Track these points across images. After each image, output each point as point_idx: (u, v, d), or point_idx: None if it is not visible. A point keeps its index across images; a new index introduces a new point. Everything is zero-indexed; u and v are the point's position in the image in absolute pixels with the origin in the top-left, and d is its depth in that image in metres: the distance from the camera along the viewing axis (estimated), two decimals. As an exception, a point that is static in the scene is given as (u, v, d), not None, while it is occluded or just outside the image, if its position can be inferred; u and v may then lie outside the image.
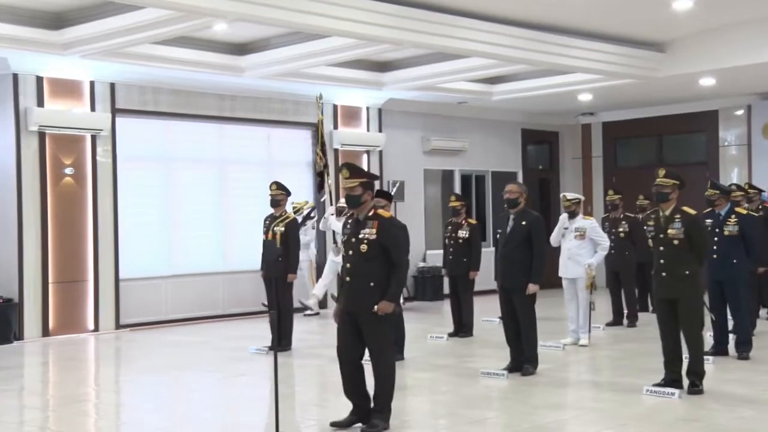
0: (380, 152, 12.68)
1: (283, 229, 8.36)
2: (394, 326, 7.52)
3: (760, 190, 10.19)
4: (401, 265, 5.22)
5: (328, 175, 9.39)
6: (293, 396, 6.47)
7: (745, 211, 7.75)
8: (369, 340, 5.18)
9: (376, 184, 6.42)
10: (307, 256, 11.12)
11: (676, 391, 6.02)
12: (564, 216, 8.57)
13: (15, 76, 9.44)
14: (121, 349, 9.23)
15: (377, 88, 11.60)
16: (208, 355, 8.57)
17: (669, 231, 6.09)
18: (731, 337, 7.68)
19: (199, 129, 11.24)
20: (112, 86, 10.17)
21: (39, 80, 9.59)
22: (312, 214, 11.15)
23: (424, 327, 9.83)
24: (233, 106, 11.29)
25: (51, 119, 9.59)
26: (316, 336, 9.65)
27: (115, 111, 10.21)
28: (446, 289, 10.72)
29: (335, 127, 12.25)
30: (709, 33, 10.36)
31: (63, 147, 9.81)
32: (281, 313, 8.14)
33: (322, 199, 9.99)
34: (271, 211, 8.58)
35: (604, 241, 8.52)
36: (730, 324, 7.68)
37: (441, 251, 9.85)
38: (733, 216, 7.56)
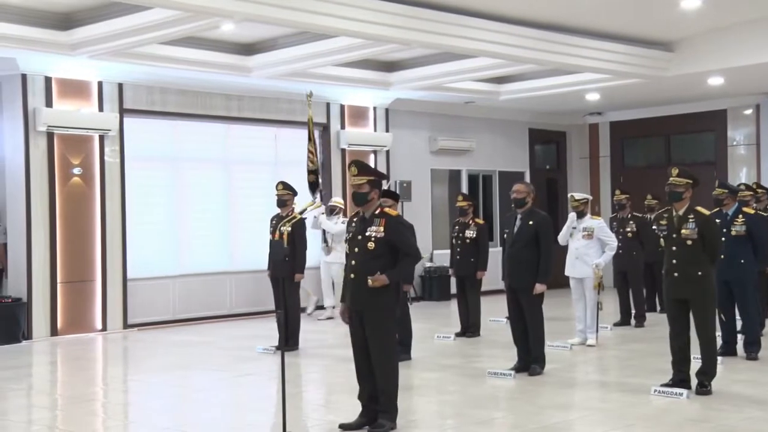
0: (387, 152, 12.68)
1: (289, 228, 8.37)
2: (399, 326, 7.60)
3: (769, 190, 10.13)
4: (413, 255, 5.23)
5: (320, 174, 9.35)
6: (300, 396, 6.47)
7: (752, 211, 7.72)
8: (372, 338, 5.18)
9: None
10: None
11: (684, 392, 6.00)
12: (573, 215, 8.56)
13: (24, 77, 9.48)
14: (129, 349, 9.26)
15: (384, 88, 11.60)
16: (215, 354, 8.59)
17: (683, 231, 6.04)
18: (739, 337, 7.65)
19: (207, 129, 11.26)
20: (120, 86, 10.20)
21: (47, 80, 9.63)
22: (304, 214, 11.06)
23: (431, 327, 9.82)
24: (240, 106, 11.31)
25: (59, 119, 9.63)
26: (324, 336, 9.65)
27: (123, 111, 10.24)
28: (453, 289, 10.71)
29: (342, 127, 12.26)
30: (717, 32, 10.32)
31: (71, 147, 9.84)
32: (288, 313, 8.15)
33: (315, 199, 9.95)
34: (278, 210, 8.59)
35: (612, 241, 8.50)
36: (738, 324, 7.65)
37: (448, 251, 9.84)
38: (740, 216, 7.52)
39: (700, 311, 6.07)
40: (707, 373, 6.13)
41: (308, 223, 10.78)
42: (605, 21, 9.75)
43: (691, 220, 6.05)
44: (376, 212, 5.24)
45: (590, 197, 8.90)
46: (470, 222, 9.27)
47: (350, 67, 10.81)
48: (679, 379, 6.16)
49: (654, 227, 6.46)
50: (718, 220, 7.46)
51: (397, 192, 12.53)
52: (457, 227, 9.37)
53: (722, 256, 7.21)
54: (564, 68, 10.93)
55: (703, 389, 6.07)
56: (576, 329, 8.52)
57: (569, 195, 8.87)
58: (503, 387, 6.58)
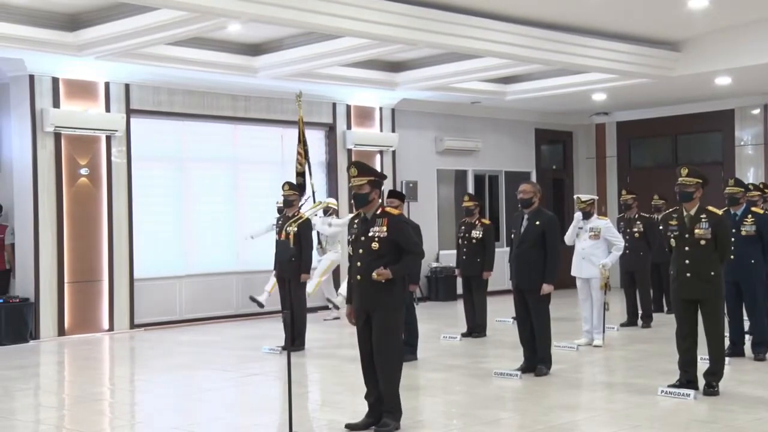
0: (393, 152, 12.68)
1: (296, 229, 8.37)
2: (405, 326, 7.59)
3: (777, 190, 10.09)
4: (416, 253, 5.24)
5: (310, 175, 9.32)
6: (306, 396, 6.48)
7: (761, 211, 7.68)
8: (377, 338, 5.18)
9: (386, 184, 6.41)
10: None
11: (692, 392, 5.97)
12: (578, 215, 8.54)
13: (31, 78, 9.52)
14: (136, 349, 9.28)
15: (390, 89, 11.60)
16: (221, 354, 8.60)
17: (696, 231, 5.99)
18: (747, 338, 7.62)
19: (213, 129, 11.28)
20: (127, 87, 10.23)
21: (55, 81, 9.67)
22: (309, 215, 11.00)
23: (437, 327, 9.82)
24: (247, 107, 11.32)
25: (66, 120, 9.66)
26: (330, 336, 9.66)
27: (129, 112, 10.26)
28: (459, 290, 10.69)
29: (348, 127, 12.27)
30: (724, 32, 10.28)
31: (78, 147, 9.87)
32: (294, 313, 8.16)
33: (304, 200, 9.92)
34: (273, 212, 8.59)
35: (619, 242, 8.48)
36: (746, 325, 7.62)
37: (454, 251, 9.83)
38: (749, 216, 7.48)
39: (711, 312, 6.04)
40: (715, 373, 6.11)
41: None
42: (612, 21, 9.72)
43: (704, 220, 6.00)
44: (378, 212, 5.24)
45: (596, 198, 8.88)
46: (476, 222, 9.25)
47: (356, 67, 10.81)
48: (686, 380, 6.14)
49: (660, 227, 6.41)
50: (727, 221, 7.44)
51: (403, 192, 12.59)
52: (463, 227, 9.36)
53: (732, 257, 7.19)
54: (570, 68, 10.91)
55: (711, 390, 6.05)
56: (582, 330, 8.51)
57: (575, 196, 8.86)
58: (509, 387, 6.57)
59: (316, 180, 12.04)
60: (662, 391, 6.09)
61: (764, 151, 13.45)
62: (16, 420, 5.98)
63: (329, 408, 6.24)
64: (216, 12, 7.58)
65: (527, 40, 9.51)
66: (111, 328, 10.03)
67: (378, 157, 12.51)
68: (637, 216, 10.03)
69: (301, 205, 10.57)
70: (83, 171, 9.90)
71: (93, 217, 9.98)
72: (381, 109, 12.59)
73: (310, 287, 10.47)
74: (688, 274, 6.02)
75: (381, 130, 12.60)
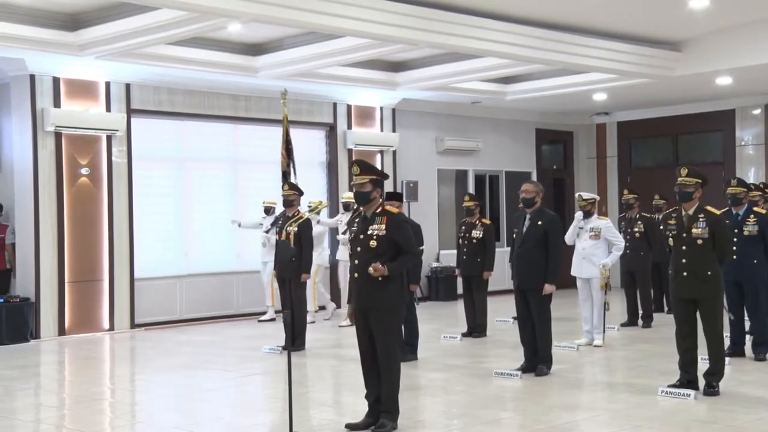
0: (394, 152, 12.68)
1: (296, 229, 8.37)
2: (406, 326, 7.59)
3: (778, 190, 10.08)
4: (413, 253, 5.25)
5: (295, 174, 9.28)
6: (307, 396, 6.48)
7: (764, 211, 7.68)
8: (377, 337, 5.18)
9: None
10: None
11: (692, 392, 5.97)
12: (579, 214, 8.54)
13: (32, 77, 9.52)
14: (136, 349, 9.28)
15: (391, 88, 11.60)
16: (222, 354, 8.60)
17: (693, 231, 6.00)
18: (747, 338, 7.61)
19: (214, 129, 11.29)
20: (128, 87, 10.24)
21: (55, 81, 9.67)
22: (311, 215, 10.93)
23: (438, 327, 9.82)
24: (247, 107, 11.32)
25: (67, 120, 9.67)
26: (330, 336, 9.66)
27: (130, 111, 10.27)
28: (460, 289, 10.70)
29: (349, 127, 12.27)
30: (725, 32, 10.28)
31: (79, 147, 9.88)
32: (295, 313, 8.16)
33: (323, 199, 9.90)
34: (282, 211, 8.58)
35: (619, 242, 8.48)
36: (747, 325, 7.61)
37: (454, 251, 9.83)
38: (751, 216, 7.48)
39: (708, 312, 6.05)
40: (715, 373, 6.11)
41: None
42: (612, 21, 9.72)
43: (701, 219, 6.02)
44: (378, 210, 5.25)
45: (598, 198, 8.87)
46: (477, 222, 9.25)
47: (357, 67, 10.81)
48: (687, 380, 6.14)
49: (661, 227, 6.40)
50: (727, 221, 7.43)
51: (403, 192, 12.59)
52: (463, 227, 9.36)
53: (734, 257, 7.19)
54: (571, 68, 10.91)
55: (711, 390, 6.05)
56: (583, 330, 8.50)
57: (577, 195, 8.86)
58: (510, 387, 6.57)
59: (317, 180, 12.06)
60: (662, 391, 6.09)
61: (765, 151, 13.44)
62: (17, 419, 5.98)
63: (329, 408, 6.24)
64: (216, 12, 7.58)
65: (528, 40, 9.50)
66: (111, 328, 10.04)
67: (378, 157, 12.51)
68: (638, 216, 10.02)
69: (323, 202, 10.63)
70: (84, 171, 9.90)
71: (93, 216, 9.98)
72: (381, 108, 12.59)
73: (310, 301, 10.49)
74: (685, 274, 6.04)
75: (381, 130, 12.60)
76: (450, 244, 12.69)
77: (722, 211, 7.48)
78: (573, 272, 8.52)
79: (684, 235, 6.04)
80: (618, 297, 10.53)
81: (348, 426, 5.27)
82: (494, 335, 9.17)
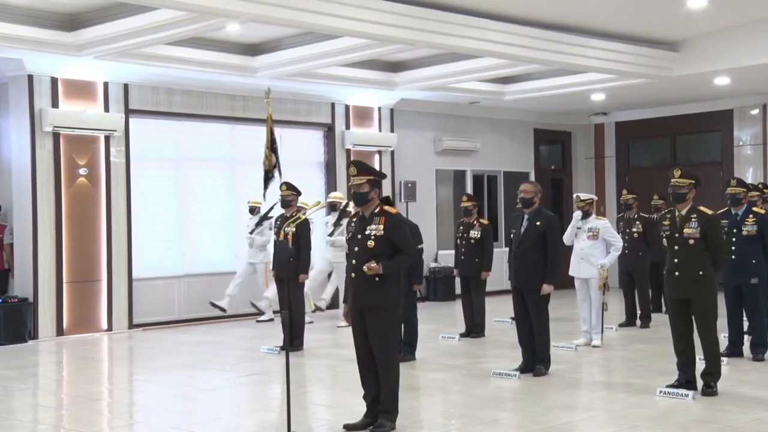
0: (392, 152, 12.69)
1: (294, 229, 8.37)
2: (407, 325, 7.60)
3: (776, 190, 10.09)
4: (409, 254, 5.25)
5: (280, 174, 9.26)
6: (305, 396, 6.48)
7: (763, 211, 7.69)
8: (373, 337, 5.18)
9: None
10: (262, 257, 10.50)
11: (690, 393, 5.98)
12: (577, 214, 8.55)
13: (30, 78, 9.52)
14: (134, 349, 9.28)
15: (389, 89, 11.60)
16: (220, 354, 8.60)
17: (685, 230, 6.03)
18: (746, 338, 7.62)
19: (212, 129, 11.28)
20: (126, 87, 10.23)
21: (54, 81, 9.66)
22: (270, 214, 10.51)
23: (436, 327, 9.82)
24: (246, 107, 11.32)
25: (65, 120, 9.66)
26: (329, 336, 9.66)
27: (128, 111, 10.26)
28: (458, 290, 10.70)
29: (347, 127, 12.27)
30: (723, 32, 10.29)
31: (77, 147, 9.87)
32: (293, 314, 8.16)
33: (275, 202, 9.84)
34: (281, 211, 8.57)
35: (617, 242, 8.48)
36: (745, 325, 7.62)
37: (453, 251, 9.83)
38: (750, 216, 7.50)
39: (701, 312, 6.06)
40: (712, 373, 6.11)
41: (272, 223, 10.32)
42: (610, 21, 9.73)
43: (693, 219, 6.05)
44: (376, 211, 5.25)
45: (596, 198, 8.88)
46: (475, 222, 9.26)
47: (355, 67, 10.81)
48: (685, 380, 6.15)
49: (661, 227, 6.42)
50: (726, 221, 7.44)
51: (402, 192, 12.60)
52: (461, 227, 9.36)
53: (733, 257, 7.20)
54: (569, 68, 10.92)
55: (709, 390, 6.05)
56: (581, 330, 8.51)
57: (575, 195, 8.86)
58: (508, 387, 6.57)
59: (316, 180, 12.05)
60: (661, 392, 6.10)
61: (763, 151, 13.46)
62: (15, 420, 5.98)
63: (328, 408, 6.24)
64: (215, 12, 7.58)
65: (526, 40, 9.51)
66: (110, 328, 10.03)
67: (377, 157, 12.51)
68: (636, 216, 10.03)
69: (273, 206, 10.35)
70: (82, 171, 9.90)
71: (92, 217, 9.98)
72: (380, 109, 12.60)
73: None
74: (678, 274, 6.06)
75: (380, 130, 12.60)
76: (448, 244, 12.69)
77: (721, 211, 7.51)
78: (571, 272, 8.53)
79: (676, 235, 6.07)
80: (616, 297, 10.54)
81: (346, 426, 5.27)
82: (492, 335, 9.18)
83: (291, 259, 8.15)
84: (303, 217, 8.61)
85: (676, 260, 6.07)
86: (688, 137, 14.44)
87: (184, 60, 9.58)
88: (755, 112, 13.53)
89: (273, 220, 10.25)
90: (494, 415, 5.75)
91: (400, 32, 8.59)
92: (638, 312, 9.84)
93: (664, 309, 10.39)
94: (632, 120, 14.79)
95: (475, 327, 9.16)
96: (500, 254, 11.32)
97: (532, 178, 14.17)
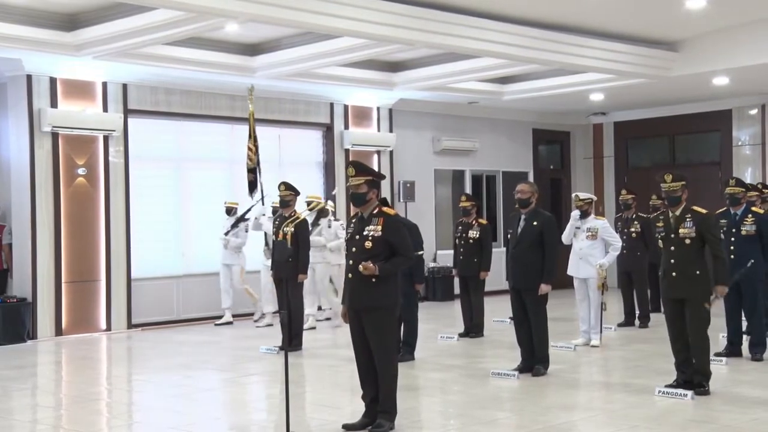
0: (391, 152, 12.69)
1: (292, 229, 8.37)
2: (407, 325, 7.60)
3: (775, 190, 10.09)
4: (406, 256, 5.23)
5: (260, 173, 9.22)
6: (304, 396, 6.48)
7: (762, 211, 7.71)
8: (371, 337, 5.18)
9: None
10: (239, 261, 10.43)
11: (689, 393, 5.98)
12: (575, 213, 8.55)
13: (29, 77, 9.51)
14: (133, 349, 9.27)
15: (388, 89, 11.60)
16: (219, 354, 8.60)
17: (680, 230, 6.06)
18: (745, 338, 7.62)
19: (211, 129, 11.28)
20: (125, 87, 10.23)
21: (52, 81, 9.66)
22: (247, 216, 10.31)
23: (435, 327, 9.82)
24: (244, 107, 11.29)
25: (64, 120, 9.66)
26: (327, 336, 9.66)
27: (127, 111, 10.26)
28: (457, 290, 10.70)
29: (346, 127, 12.27)
30: (722, 32, 10.30)
31: (76, 147, 9.87)
32: (292, 314, 8.16)
33: (256, 200, 9.84)
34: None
35: (616, 242, 8.49)
36: (744, 325, 7.62)
37: (451, 251, 9.84)
38: (749, 215, 7.51)
39: (695, 311, 6.06)
40: (702, 373, 6.11)
41: (249, 225, 10.25)
42: (609, 21, 9.73)
43: (688, 219, 6.07)
44: (375, 212, 5.24)
45: (595, 198, 8.89)
46: (473, 222, 9.26)
47: (354, 67, 10.81)
48: (684, 380, 6.15)
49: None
50: (725, 221, 7.45)
51: (400, 192, 12.60)
52: (460, 227, 9.36)
53: (732, 257, 7.20)
54: (568, 68, 10.92)
55: (701, 390, 6.04)
56: (580, 330, 8.51)
57: (573, 195, 8.87)
58: (507, 387, 6.58)
59: (314, 180, 12.05)
60: (659, 392, 6.10)
61: (762, 151, 13.47)
62: (14, 420, 5.97)
63: (326, 408, 6.23)
64: (213, 12, 7.58)
65: (525, 40, 9.51)
66: (108, 328, 10.03)
67: (375, 157, 12.52)
68: (634, 216, 10.03)
69: (251, 207, 10.23)
70: (81, 171, 9.89)
71: (90, 216, 9.97)
72: (378, 109, 12.60)
73: (272, 307, 10.11)
74: (674, 274, 6.08)
75: (378, 130, 12.60)
76: (447, 244, 12.69)
77: (720, 210, 7.52)
78: (570, 272, 8.53)
79: (672, 235, 6.09)
80: (615, 297, 10.54)
81: (345, 426, 5.27)
82: (491, 335, 9.18)
83: (290, 259, 8.15)
84: (301, 216, 8.61)
85: (672, 260, 6.09)
86: (687, 137, 14.44)
87: (183, 60, 9.57)
88: (754, 112, 13.54)
89: (251, 221, 10.17)
90: (493, 415, 5.76)
91: (399, 32, 8.59)
92: (637, 312, 9.85)
93: (662, 309, 10.41)
94: (631, 120, 14.80)
95: (473, 327, 9.16)
96: (499, 254, 11.32)
97: (531, 178, 14.18)
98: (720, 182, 7.89)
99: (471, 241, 9.16)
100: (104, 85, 10.05)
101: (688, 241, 6.03)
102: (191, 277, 10.87)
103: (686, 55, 10.83)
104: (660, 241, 6.19)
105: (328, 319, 10.75)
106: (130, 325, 10.21)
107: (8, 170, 9.88)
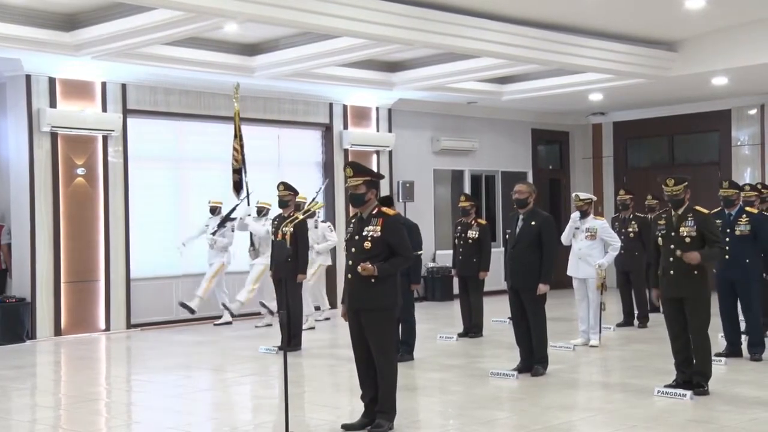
0: (390, 152, 12.69)
1: (291, 229, 8.37)
2: (405, 325, 7.60)
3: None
4: (405, 256, 5.22)
5: (245, 172, 9.17)
6: (303, 396, 6.48)
7: (756, 210, 7.72)
8: (370, 338, 5.18)
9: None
10: (222, 260, 10.36)
11: (688, 393, 5.98)
12: (575, 214, 8.55)
13: (28, 77, 9.51)
14: (132, 349, 9.27)
15: (387, 89, 11.61)
16: (218, 354, 8.60)
17: (681, 229, 6.08)
18: (744, 338, 7.63)
19: (210, 129, 11.27)
20: (124, 87, 10.23)
21: (51, 81, 9.66)
22: (233, 215, 10.34)
23: (434, 327, 9.82)
24: (243, 107, 11.26)
25: (63, 120, 9.65)
26: (326, 336, 9.66)
27: (126, 111, 10.26)
28: (456, 290, 10.70)
29: (345, 127, 12.27)
30: (721, 32, 10.30)
31: (75, 147, 9.87)
32: (291, 314, 8.16)
33: (241, 199, 9.83)
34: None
35: (615, 242, 8.49)
36: (742, 325, 7.63)
37: (451, 251, 9.84)
38: (744, 216, 7.53)
39: (694, 311, 6.07)
40: (703, 373, 6.12)
41: (234, 225, 10.17)
42: (608, 21, 9.74)
43: (690, 218, 6.09)
44: (374, 212, 5.24)
45: (594, 198, 8.90)
46: (473, 222, 9.26)
47: (353, 67, 10.81)
48: (683, 380, 6.15)
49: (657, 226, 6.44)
50: (719, 221, 7.46)
51: (399, 192, 12.59)
52: (459, 227, 9.37)
53: (727, 257, 7.21)
54: (567, 68, 10.92)
55: (700, 390, 6.05)
56: (579, 330, 8.51)
57: (573, 195, 8.87)
58: (506, 387, 6.58)
59: (313, 180, 12.05)
60: (659, 392, 6.11)
61: (761, 151, 13.47)
62: (13, 420, 5.97)
63: (325, 408, 6.23)
64: (213, 12, 7.58)
65: (524, 40, 9.52)
66: (107, 328, 10.02)
67: (375, 157, 12.52)
68: (631, 216, 10.03)
69: (236, 207, 10.13)
70: (80, 171, 9.89)
71: (89, 216, 9.97)
72: (378, 109, 12.60)
73: (243, 297, 10.12)
74: (672, 272, 6.09)
75: (378, 130, 12.60)
76: (446, 244, 12.69)
77: (715, 210, 7.53)
78: (569, 272, 8.54)
79: (673, 234, 6.11)
80: (614, 297, 10.55)
81: (344, 426, 5.27)
82: (490, 335, 9.18)
83: (289, 259, 8.15)
84: (300, 216, 8.61)
85: (671, 259, 6.10)
86: (686, 137, 14.45)
87: (182, 60, 9.57)
88: (753, 112, 13.54)
89: (236, 221, 10.05)
90: (492, 415, 5.76)
91: (398, 32, 8.59)
92: (636, 312, 9.84)
93: (661, 309, 10.41)
94: (630, 120, 14.80)
95: (473, 327, 9.16)
96: (498, 254, 11.33)
97: (530, 178, 14.19)
98: (719, 183, 7.88)
99: (470, 241, 9.17)
100: (103, 85, 10.05)
101: (688, 240, 6.05)
102: (190, 277, 10.86)
103: (685, 55, 10.84)
104: (660, 239, 6.20)
105: (327, 319, 10.76)
106: (129, 325, 10.21)
107: (7, 170, 9.88)
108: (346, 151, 12.17)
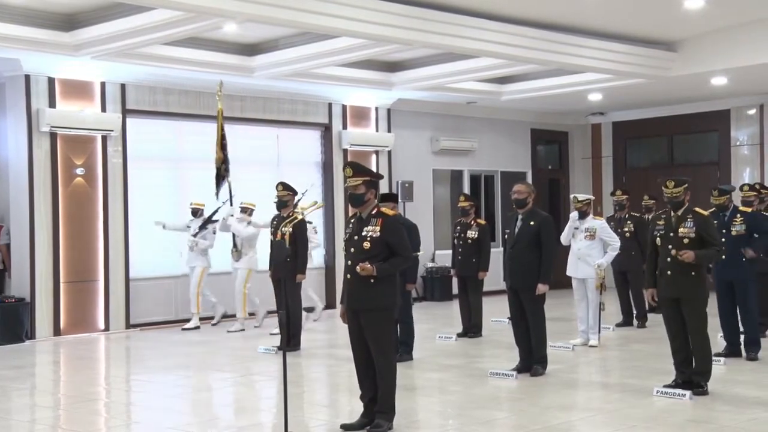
0: (389, 152, 12.69)
1: (290, 229, 8.37)
2: (403, 325, 7.60)
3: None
4: (405, 257, 5.22)
5: (227, 171, 9.10)
6: (302, 396, 6.48)
7: (749, 210, 7.73)
8: (370, 338, 5.18)
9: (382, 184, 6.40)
10: (203, 263, 10.31)
11: (687, 393, 5.99)
12: (574, 214, 8.56)
13: (27, 78, 9.51)
14: (131, 349, 9.27)
15: (386, 89, 11.61)
16: (217, 354, 8.60)
17: (680, 230, 6.09)
18: (743, 338, 7.63)
19: (209, 129, 11.23)
20: (123, 87, 10.22)
21: (51, 81, 9.65)
22: (214, 218, 10.17)
23: (433, 327, 9.83)
24: (243, 107, 11.32)
25: (62, 120, 9.65)
26: (326, 336, 9.66)
27: (125, 111, 10.26)
28: (455, 290, 10.70)
29: (344, 127, 12.27)
30: (721, 32, 10.31)
31: (74, 147, 9.86)
32: (290, 314, 8.16)
33: (224, 201, 9.80)
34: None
35: (615, 242, 8.50)
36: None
37: (450, 251, 9.84)
38: (738, 216, 7.55)
39: (692, 311, 6.08)
40: (701, 373, 6.12)
41: (217, 226, 10.10)
42: (608, 21, 9.74)
43: (689, 219, 6.10)
44: (373, 212, 5.24)
45: (593, 198, 8.90)
46: (472, 222, 9.27)
47: (352, 67, 10.81)
48: (682, 380, 6.16)
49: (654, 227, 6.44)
50: (715, 222, 7.47)
51: (399, 192, 12.60)
52: (458, 227, 9.37)
53: (723, 257, 7.22)
54: (566, 68, 10.93)
55: (699, 390, 6.05)
56: (578, 330, 8.52)
57: (572, 196, 8.87)
58: (505, 387, 6.58)
59: (312, 181, 12.04)
60: (658, 392, 6.11)
61: (760, 151, 13.48)
62: (12, 420, 5.97)
63: (325, 408, 6.24)
64: (212, 12, 7.58)
65: (523, 40, 9.52)
66: (107, 328, 10.02)
67: (374, 157, 12.52)
68: (627, 216, 10.02)
69: (218, 209, 10.05)
70: (79, 171, 9.89)
71: (89, 216, 9.97)
72: (377, 109, 12.60)
73: (241, 313, 10.01)
74: (670, 272, 6.09)
75: (377, 130, 12.61)
76: (445, 244, 12.69)
77: (710, 211, 7.53)
78: (568, 272, 8.54)
79: (671, 234, 6.12)
80: (613, 297, 10.55)
81: (343, 426, 5.27)
82: (489, 335, 9.19)
83: (288, 259, 8.15)
84: (299, 216, 8.61)
85: (669, 259, 6.10)
86: (686, 137, 14.45)
87: (182, 60, 9.57)
88: (752, 112, 13.55)
89: (219, 222, 9.96)
90: (491, 415, 5.76)
91: (397, 32, 8.59)
92: (634, 312, 9.84)
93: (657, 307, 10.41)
94: (629, 120, 14.81)
95: (472, 327, 9.16)
96: (497, 254, 11.33)
97: (529, 178, 14.20)
98: (718, 183, 7.90)
99: (469, 241, 9.17)
100: (102, 85, 10.04)
101: (686, 241, 6.06)
102: (190, 277, 10.84)
103: (685, 55, 10.84)
104: (659, 239, 6.20)
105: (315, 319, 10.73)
106: (129, 325, 10.20)
107: (6, 170, 9.88)
108: (345, 151, 12.17)
